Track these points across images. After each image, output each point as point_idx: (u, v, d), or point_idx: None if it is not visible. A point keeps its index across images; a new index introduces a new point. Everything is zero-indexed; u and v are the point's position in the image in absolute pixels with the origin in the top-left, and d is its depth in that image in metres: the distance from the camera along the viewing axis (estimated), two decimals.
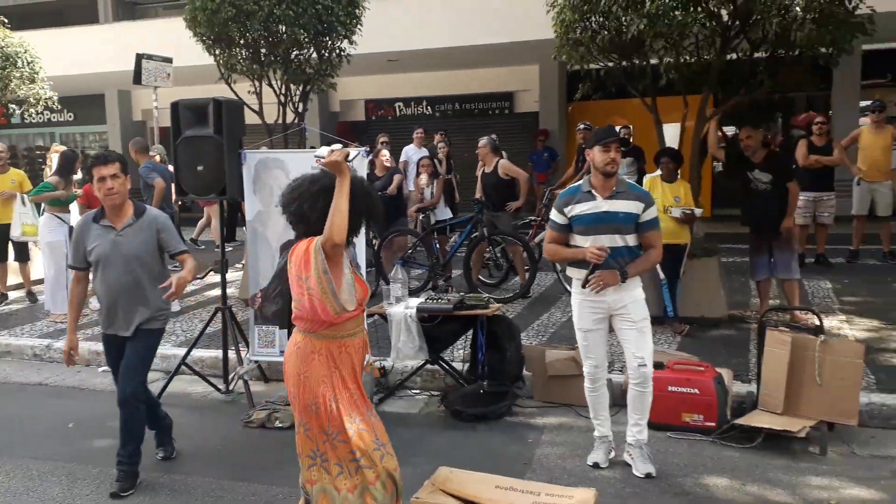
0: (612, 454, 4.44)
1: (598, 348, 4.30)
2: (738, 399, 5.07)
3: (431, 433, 5.01)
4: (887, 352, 5.92)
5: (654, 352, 5.29)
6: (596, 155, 4.16)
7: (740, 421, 4.69)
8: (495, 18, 12.36)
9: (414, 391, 5.84)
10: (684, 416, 4.81)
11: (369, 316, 5.75)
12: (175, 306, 8.43)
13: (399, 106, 17.14)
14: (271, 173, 5.55)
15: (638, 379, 4.22)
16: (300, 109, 8.11)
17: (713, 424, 4.73)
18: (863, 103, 13.00)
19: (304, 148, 7.30)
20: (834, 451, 4.49)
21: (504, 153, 9.49)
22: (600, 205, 4.18)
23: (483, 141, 8.72)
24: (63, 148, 10.49)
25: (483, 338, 5.41)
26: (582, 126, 10.25)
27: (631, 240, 4.21)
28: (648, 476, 4.21)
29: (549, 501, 2.75)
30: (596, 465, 4.35)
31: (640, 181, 8.13)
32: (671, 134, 7.37)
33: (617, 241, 4.16)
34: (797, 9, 5.77)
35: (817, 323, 4.96)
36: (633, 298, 4.21)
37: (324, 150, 3.09)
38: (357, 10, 8.29)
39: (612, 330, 4.34)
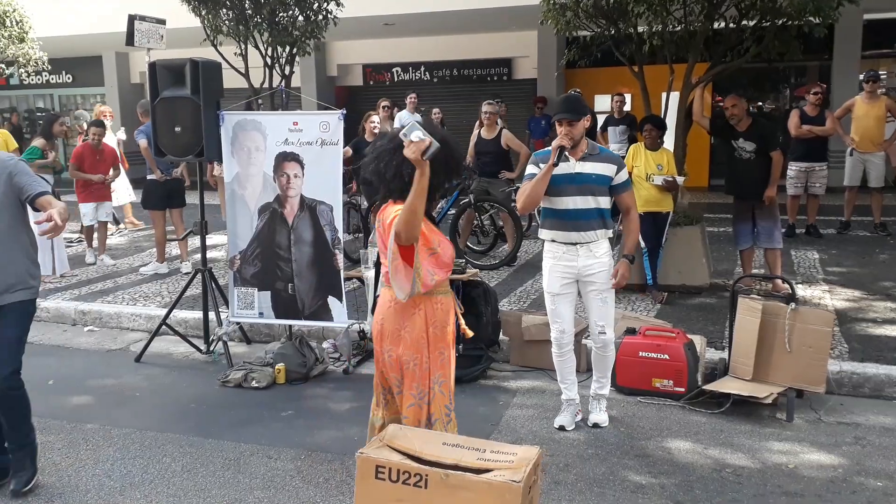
0: (580, 417, 4.51)
1: (565, 313, 4.34)
2: (710, 365, 5.12)
3: None
4: (864, 321, 5.94)
5: (628, 318, 5.39)
6: (556, 128, 4.22)
7: (709, 387, 4.74)
8: None
9: None
10: (654, 382, 4.85)
11: (348, 279, 5.80)
12: (162, 268, 8.49)
13: (397, 71, 17.02)
14: (249, 135, 5.54)
15: (599, 344, 4.39)
16: (287, 72, 8.07)
17: (682, 390, 4.78)
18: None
19: (286, 111, 7.26)
20: (801, 418, 4.53)
21: (500, 121, 9.48)
22: (573, 166, 4.23)
23: (495, 106, 8.67)
24: (106, 108, 10.57)
25: (459, 302, 5.44)
26: (573, 93, 10.20)
27: (604, 202, 4.27)
28: (596, 426, 4.39)
29: (493, 457, 2.77)
30: (562, 428, 4.41)
31: None
32: (673, 103, 7.29)
33: (590, 202, 4.22)
34: None
35: (790, 291, 5.00)
36: (601, 266, 4.26)
37: (416, 132, 2.77)
38: None
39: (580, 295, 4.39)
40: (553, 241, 4.30)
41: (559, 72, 14.04)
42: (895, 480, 3.76)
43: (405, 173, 2.95)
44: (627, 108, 11.94)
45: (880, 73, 9.96)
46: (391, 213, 3.02)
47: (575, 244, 4.23)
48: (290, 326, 5.84)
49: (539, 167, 4.23)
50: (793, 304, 4.75)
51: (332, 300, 5.54)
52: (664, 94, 7.26)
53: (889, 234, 9.19)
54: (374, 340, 3.21)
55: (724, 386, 4.71)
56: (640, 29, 6.92)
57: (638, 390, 4.88)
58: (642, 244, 6.52)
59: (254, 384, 5.23)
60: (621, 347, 4.87)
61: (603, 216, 4.24)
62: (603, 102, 13.89)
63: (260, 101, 7.17)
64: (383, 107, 10.74)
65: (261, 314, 5.72)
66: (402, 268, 2.99)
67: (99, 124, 8.75)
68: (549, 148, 4.30)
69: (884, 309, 6.26)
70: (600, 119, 11.80)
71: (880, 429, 4.37)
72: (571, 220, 4.20)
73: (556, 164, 4.12)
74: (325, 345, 5.93)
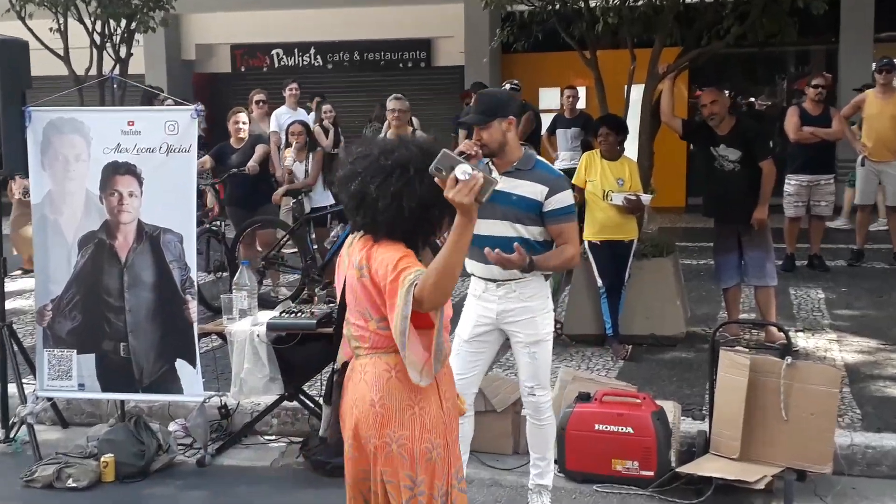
0: None
1: (466, 365, 4.40)
2: (687, 440, 5.23)
3: (282, 491, 5.02)
4: (881, 379, 6.19)
5: (581, 379, 5.48)
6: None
7: (684, 469, 4.84)
8: None
9: (267, 437, 5.82)
10: (615, 464, 4.93)
11: (204, 336, 5.72)
12: None
13: (278, 53, 16.92)
14: (66, 139, 5.43)
15: (529, 409, 4.46)
16: (123, 54, 7.98)
17: (651, 474, 4.86)
18: None
19: (120, 105, 7.16)
20: None
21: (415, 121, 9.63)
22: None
23: (405, 102, 8.78)
24: None
25: None
26: (508, 86, 10.43)
27: (532, 233, 4.31)
28: None
29: None
30: None
31: None
32: (637, 99, 7.50)
33: (510, 230, 4.27)
34: None
35: (785, 341, 5.17)
36: (529, 312, 4.33)
37: (462, 167, 2.69)
38: None
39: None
40: (473, 274, 4.40)
41: (490, 56, 14.20)
42: None
43: (406, 207, 2.88)
44: (581, 105, 12.22)
45: None
46: (389, 261, 2.86)
47: (494, 281, 4.29)
48: (123, 402, 5.70)
49: None
50: (789, 359, 4.91)
51: (181, 365, 5.45)
52: (626, 88, 7.47)
53: None
54: (355, 427, 3.01)
55: (705, 468, 4.81)
56: (591, 3, 7.12)
57: (594, 475, 4.94)
58: (599, 282, 6.66)
59: (70, 483, 5.07)
60: (572, 419, 4.94)
61: (532, 250, 4.24)
62: (551, 98, 14.22)
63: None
64: (257, 102, 10.72)
65: (81, 386, 5.57)
66: (415, 337, 2.85)
67: None
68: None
69: None
70: (547, 120, 12.04)
71: None
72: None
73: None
74: (171, 427, 5.80)
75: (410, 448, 2.93)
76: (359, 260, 2.97)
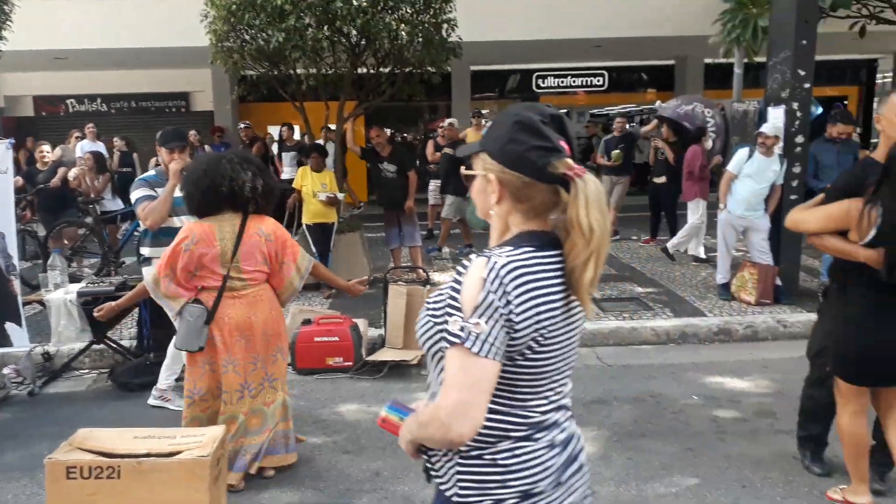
0: None
1: None
2: (372, 341, 5.51)
3: (96, 406, 4.68)
4: None
5: (305, 311, 5.56)
6: (164, 155, 4.23)
7: (370, 357, 5.13)
8: (163, 23, 11.42)
9: (83, 371, 5.37)
10: (328, 360, 5.11)
11: (27, 304, 5.17)
12: None
13: (71, 102, 15.19)
14: None
15: None
16: None
17: (350, 363, 5.10)
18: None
19: None
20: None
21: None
22: None
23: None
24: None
25: (147, 314, 5.16)
26: (242, 125, 10.25)
27: None
28: None
29: (184, 441, 2.75)
30: None
31: None
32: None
33: None
34: (403, 34, 6.35)
35: (426, 277, 5.61)
36: None
37: None
38: (6, 7, 7.22)
39: None
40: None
41: (232, 105, 13.74)
42: None
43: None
44: (297, 136, 12.02)
45: (483, 111, 11.36)
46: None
47: None
48: None
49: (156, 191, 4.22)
50: (429, 286, 5.36)
51: (10, 326, 4.90)
52: (322, 128, 7.59)
53: None
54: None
55: (382, 355, 5.14)
56: (298, 71, 7.16)
57: (314, 369, 5.10)
58: (313, 249, 6.78)
59: None
60: (299, 336, 5.05)
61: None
62: (275, 131, 13.66)
63: None
64: (76, 137, 10.10)
65: None
66: None
67: None
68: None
69: None
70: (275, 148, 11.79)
71: None
72: None
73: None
74: (5, 371, 5.19)
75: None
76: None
